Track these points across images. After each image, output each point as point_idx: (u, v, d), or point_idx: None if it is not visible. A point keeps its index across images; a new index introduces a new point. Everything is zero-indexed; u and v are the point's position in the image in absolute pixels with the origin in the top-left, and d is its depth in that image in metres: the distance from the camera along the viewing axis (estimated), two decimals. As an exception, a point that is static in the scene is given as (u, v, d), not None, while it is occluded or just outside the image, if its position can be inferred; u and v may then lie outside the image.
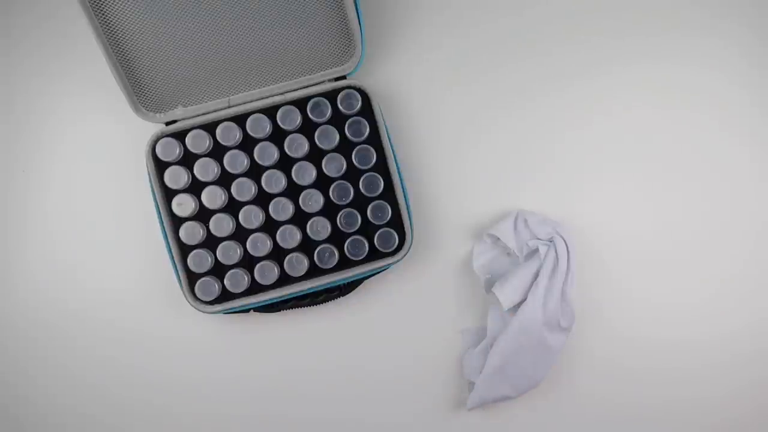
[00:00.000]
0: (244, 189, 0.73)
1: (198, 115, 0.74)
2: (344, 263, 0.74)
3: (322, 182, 0.74)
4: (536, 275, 0.73)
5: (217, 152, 0.74)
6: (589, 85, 0.79)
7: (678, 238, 0.78)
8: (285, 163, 0.74)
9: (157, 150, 0.73)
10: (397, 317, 0.78)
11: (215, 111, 0.74)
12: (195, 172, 0.73)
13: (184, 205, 0.73)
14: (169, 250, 0.73)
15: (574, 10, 0.80)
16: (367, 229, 0.74)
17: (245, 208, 0.73)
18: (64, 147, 0.80)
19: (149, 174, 0.73)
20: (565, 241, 0.73)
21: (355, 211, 0.74)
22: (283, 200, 0.74)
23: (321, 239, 0.74)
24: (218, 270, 0.74)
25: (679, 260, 0.78)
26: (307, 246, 0.74)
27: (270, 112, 0.74)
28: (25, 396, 0.78)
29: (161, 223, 0.73)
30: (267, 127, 0.73)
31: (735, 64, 0.80)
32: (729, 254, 0.78)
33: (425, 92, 0.80)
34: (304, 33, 0.72)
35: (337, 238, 0.74)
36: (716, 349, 0.77)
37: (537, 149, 0.79)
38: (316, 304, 0.75)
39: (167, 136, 0.73)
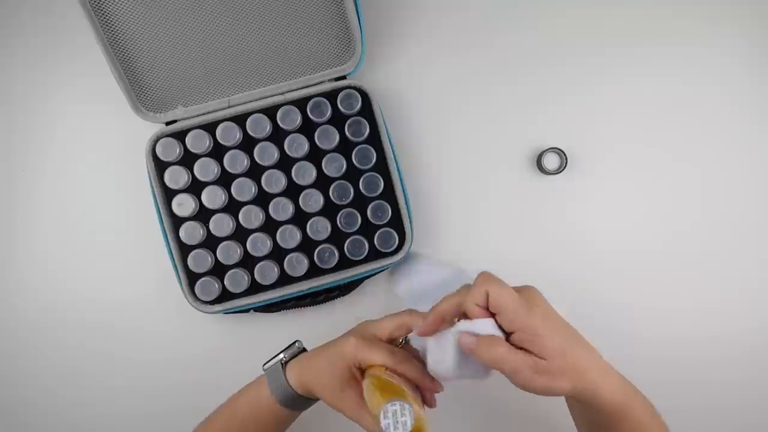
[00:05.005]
0: (244, 189, 0.73)
1: (198, 115, 0.74)
2: (344, 263, 0.74)
3: (322, 182, 0.74)
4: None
5: (217, 152, 0.74)
6: (590, 93, 0.79)
7: (678, 239, 0.78)
8: (285, 163, 0.74)
9: (157, 150, 0.73)
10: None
11: (215, 111, 0.74)
12: (195, 172, 0.73)
13: (184, 205, 0.73)
14: (169, 250, 0.73)
15: (573, 13, 0.80)
16: (367, 229, 0.74)
17: (245, 208, 0.73)
18: (64, 147, 0.80)
19: (149, 174, 0.73)
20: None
21: (355, 211, 0.74)
22: (283, 200, 0.74)
23: (321, 239, 0.74)
24: (218, 270, 0.74)
25: (681, 260, 0.78)
26: (307, 246, 0.74)
27: (270, 112, 0.74)
28: (25, 395, 0.78)
29: (161, 223, 0.73)
30: (267, 127, 0.73)
31: (735, 72, 0.80)
32: (728, 255, 0.78)
33: (425, 92, 0.80)
34: (304, 33, 0.72)
35: (337, 238, 0.74)
36: (718, 350, 0.77)
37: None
38: (316, 304, 0.75)
39: (167, 136, 0.73)
